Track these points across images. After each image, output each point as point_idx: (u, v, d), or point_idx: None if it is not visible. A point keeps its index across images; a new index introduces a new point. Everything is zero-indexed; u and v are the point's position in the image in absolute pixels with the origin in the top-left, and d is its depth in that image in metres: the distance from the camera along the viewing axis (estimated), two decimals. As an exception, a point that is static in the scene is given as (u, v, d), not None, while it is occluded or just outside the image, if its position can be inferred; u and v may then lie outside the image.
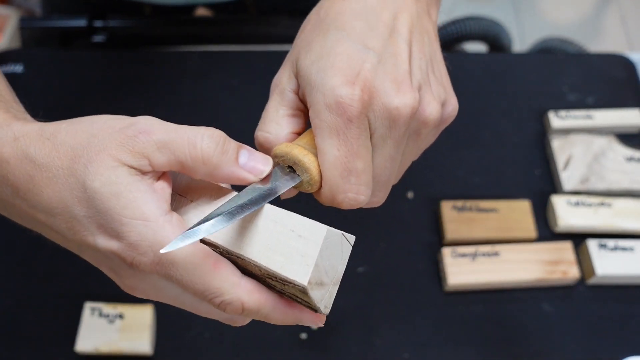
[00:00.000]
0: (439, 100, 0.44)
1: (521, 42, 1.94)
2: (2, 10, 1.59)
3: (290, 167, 0.42)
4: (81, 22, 0.95)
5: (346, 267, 0.79)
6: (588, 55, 0.99)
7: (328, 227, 0.37)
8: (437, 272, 0.76)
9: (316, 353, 0.71)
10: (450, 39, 1.12)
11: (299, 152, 0.42)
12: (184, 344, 0.71)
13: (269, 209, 0.38)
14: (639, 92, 0.91)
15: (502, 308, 0.74)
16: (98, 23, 0.95)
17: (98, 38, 0.95)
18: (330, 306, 0.38)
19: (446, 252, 0.75)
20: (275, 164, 0.42)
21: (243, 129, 0.87)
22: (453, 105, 0.46)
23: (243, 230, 0.38)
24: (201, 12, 1.02)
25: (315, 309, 0.38)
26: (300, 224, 0.36)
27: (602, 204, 0.78)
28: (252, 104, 0.91)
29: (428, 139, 0.47)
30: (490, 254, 0.75)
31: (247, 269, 0.39)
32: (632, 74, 0.92)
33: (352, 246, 0.38)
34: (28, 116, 0.42)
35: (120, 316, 0.69)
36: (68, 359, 0.69)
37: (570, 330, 0.73)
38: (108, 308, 0.69)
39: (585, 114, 0.86)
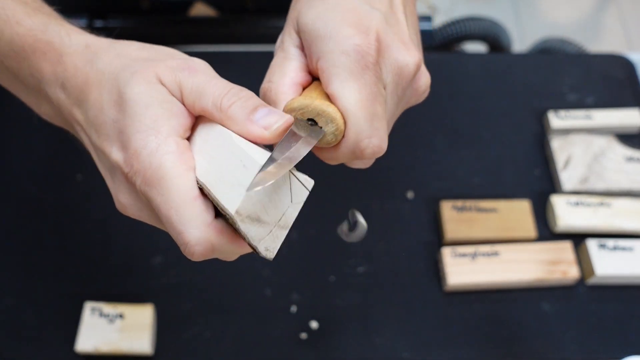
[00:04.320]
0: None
1: (521, 42, 1.94)
2: (2, 10, 1.59)
3: (310, 120, 0.41)
4: (81, 22, 0.95)
5: (346, 267, 0.79)
6: (588, 56, 0.99)
7: (268, 155, 0.36)
8: (437, 272, 0.76)
9: (316, 353, 0.71)
10: (450, 39, 1.12)
11: (321, 103, 0.40)
12: (184, 344, 0.71)
13: (233, 140, 0.37)
14: (639, 92, 0.91)
15: (502, 308, 0.74)
16: (98, 23, 0.95)
17: (98, 38, 0.95)
18: (274, 251, 0.37)
19: (446, 252, 0.75)
20: (291, 112, 0.42)
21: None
22: (428, 80, 0.47)
23: (212, 160, 0.38)
24: (199, 8, 1.02)
25: (254, 249, 0.37)
26: (248, 154, 0.36)
27: (601, 204, 0.78)
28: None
29: (409, 103, 0.47)
30: (490, 253, 0.75)
31: (213, 202, 0.38)
32: (631, 74, 0.92)
33: (309, 191, 0.37)
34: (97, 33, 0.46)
35: (120, 316, 0.69)
36: (68, 359, 0.69)
37: (570, 330, 0.73)
38: (108, 308, 0.69)
39: (585, 114, 0.86)
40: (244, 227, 0.35)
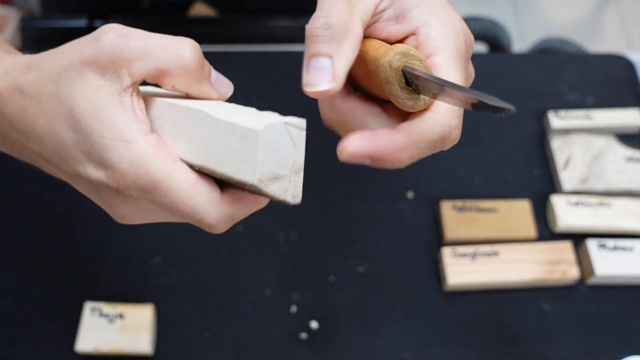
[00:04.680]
0: None
1: (521, 42, 1.94)
2: (2, 11, 1.59)
3: (407, 79, 0.38)
4: (81, 22, 0.95)
5: (346, 267, 0.79)
6: (588, 56, 0.99)
7: (268, 121, 0.36)
8: (437, 272, 0.76)
9: (316, 353, 0.71)
10: (450, 39, 1.12)
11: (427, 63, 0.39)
12: (184, 344, 0.71)
13: (211, 116, 0.37)
14: (639, 92, 0.91)
15: (502, 308, 0.74)
16: (98, 23, 0.95)
17: (98, 38, 0.95)
18: (299, 195, 0.38)
19: (446, 252, 0.75)
20: (398, 60, 0.38)
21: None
22: None
23: (198, 142, 0.38)
24: (199, 8, 1.02)
25: (283, 203, 0.37)
26: (238, 125, 0.36)
27: (601, 204, 0.78)
28: (252, 104, 0.91)
29: None
30: (490, 253, 0.75)
31: (216, 178, 0.39)
32: (631, 74, 0.92)
33: (305, 130, 0.37)
34: (16, 50, 0.43)
35: (120, 316, 0.69)
36: (68, 359, 0.69)
37: (570, 330, 0.73)
38: (108, 308, 0.69)
39: (585, 114, 0.86)
40: (268, 189, 0.36)
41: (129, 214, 0.40)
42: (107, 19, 0.95)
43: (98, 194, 0.39)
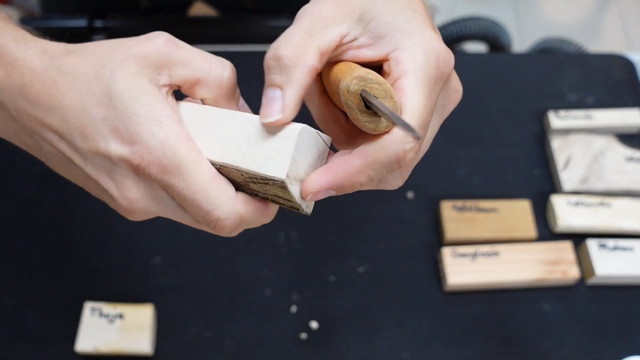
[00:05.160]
0: None
1: (521, 42, 1.94)
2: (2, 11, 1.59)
3: (366, 102, 0.38)
4: (81, 22, 0.95)
5: (346, 267, 0.79)
6: (588, 55, 0.99)
7: (303, 124, 0.38)
8: (437, 272, 0.76)
9: (316, 353, 0.71)
10: (450, 39, 1.12)
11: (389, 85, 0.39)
12: (184, 344, 0.71)
13: (248, 115, 0.40)
14: (639, 92, 0.91)
15: (502, 308, 0.74)
16: (98, 23, 0.95)
17: (98, 38, 0.95)
18: (312, 206, 0.40)
19: (446, 252, 0.75)
20: (356, 85, 0.38)
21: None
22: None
23: (225, 140, 0.39)
24: (199, 7, 1.02)
25: (297, 209, 0.39)
26: (271, 130, 0.38)
27: (601, 204, 0.78)
28: (252, 104, 0.91)
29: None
30: (490, 254, 0.75)
31: (232, 180, 0.40)
32: (631, 74, 0.92)
33: (329, 147, 0.39)
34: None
35: (120, 316, 0.69)
36: (68, 359, 0.69)
37: (570, 330, 0.73)
38: (108, 308, 0.69)
39: (585, 114, 0.86)
40: (291, 188, 0.38)
41: (137, 198, 0.40)
42: (107, 19, 0.95)
43: (110, 174, 0.40)
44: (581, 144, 0.83)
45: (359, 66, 0.40)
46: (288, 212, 0.80)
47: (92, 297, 0.71)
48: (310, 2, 0.42)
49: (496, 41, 1.13)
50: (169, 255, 0.75)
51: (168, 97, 0.40)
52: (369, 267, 0.76)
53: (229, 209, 0.38)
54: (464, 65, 0.94)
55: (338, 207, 0.80)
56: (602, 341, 0.73)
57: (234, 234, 0.40)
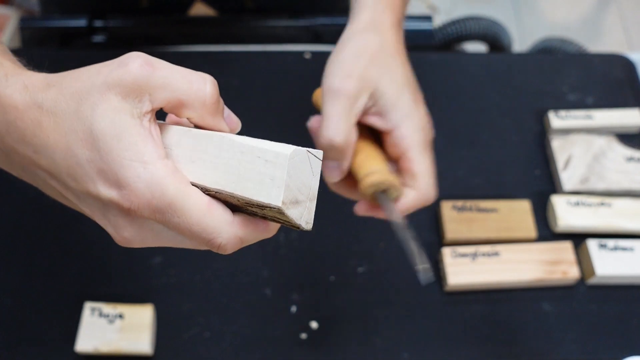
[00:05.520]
0: None
1: (521, 42, 1.94)
2: (2, 10, 1.59)
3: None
4: (81, 22, 0.95)
5: (346, 267, 0.79)
6: (588, 55, 0.99)
7: (293, 147, 0.38)
8: (437, 272, 0.76)
9: (316, 353, 0.71)
10: (450, 39, 1.12)
11: (394, 178, 0.57)
12: (184, 344, 0.71)
13: (233, 141, 0.39)
14: (639, 92, 0.91)
15: (502, 308, 0.74)
16: (98, 23, 0.95)
17: (98, 38, 0.95)
18: (311, 222, 0.40)
19: (446, 252, 0.75)
20: (370, 189, 0.57)
21: (242, 129, 0.87)
22: None
23: (216, 166, 0.39)
24: (199, 7, 1.02)
25: (297, 227, 0.39)
26: (265, 149, 0.38)
27: (602, 204, 0.78)
28: (253, 104, 0.91)
29: None
30: (490, 254, 0.75)
31: (228, 202, 0.40)
32: (632, 73, 0.92)
33: (321, 160, 0.39)
34: (29, 69, 0.43)
35: (120, 316, 0.69)
36: (68, 359, 0.69)
37: (570, 330, 0.73)
38: (108, 308, 0.69)
39: (585, 114, 0.86)
40: (289, 212, 0.38)
41: (133, 236, 0.40)
42: (107, 19, 0.95)
43: (104, 214, 0.40)
44: (581, 144, 0.83)
45: (374, 159, 0.58)
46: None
47: (92, 297, 0.71)
48: (337, 73, 0.56)
49: (496, 41, 1.13)
50: (169, 255, 0.75)
51: (151, 125, 0.39)
52: (369, 267, 0.76)
53: (229, 235, 0.38)
54: (464, 65, 0.94)
55: (338, 207, 0.80)
56: (602, 341, 0.73)
57: (233, 251, 0.40)
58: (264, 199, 0.37)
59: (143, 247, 0.41)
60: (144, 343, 0.68)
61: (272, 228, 0.41)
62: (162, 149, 0.38)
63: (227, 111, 0.42)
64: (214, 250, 0.39)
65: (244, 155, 0.38)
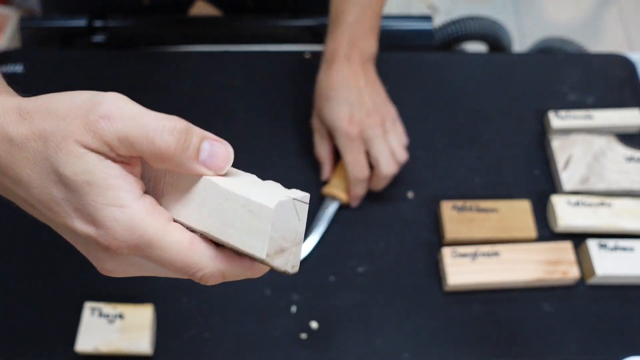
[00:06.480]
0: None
1: (521, 42, 1.94)
2: (2, 10, 1.59)
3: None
4: (81, 22, 0.95)
5: (346, 267, 0.79)
6: (588, 55, 0.99)
7: (278, 198, 0.37)
8: (437, 272, 0.76)
9: (316, 353, 0.71)
10: (450, 39, 1.12)
11: (338, 193, 0.79)
12: (184, 344, 0.71)
13: (218, 187, 0.38)
14: (639, 92, 0.91)
15: (502, 308, 0.74)
16: (98, 23, 0.95)
17: (98, 38, 0.95)
18: (297, 265, 0.39)
19: (446, 252, 0.75)
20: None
21: (243, 129, 0.87)
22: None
23: (202, 208, 0.38)
24: (200, 6, 1.02)
25: (283, 273, 0.39)
26: (249, 200, 0.37)
27: (602, 204, 0.78)
28: (253, 104, 0.91)
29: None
30: (490, 254, 0.75)
31: (215, 241, 0.39)
32: (632, 73, 0.92)
33: (308, 204, 0.38)
34: (8, 88, 0.41)
35: (120, 316, 0.69)
36: (68, 359, 0.69)
37: (570, 330, 0.73)
38: (108, 308, 0.69)
39: (585, 114, 0.86)
40: (273, 263, 0.37)
41: (114, 268, 0.39)
42: (107, 19, 0.95)
43: (85, 247, 0.39)
44: (581, 144, 0.83)
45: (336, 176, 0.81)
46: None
47: (92, 297, 0.71)
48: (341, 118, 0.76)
49: (496, 41, 1.12)
50: (169, 255, 0.75)
51: (123, 163, 0.37)
52: (369, 267, 0.76)
53: (212, 269, 0.38)
54: (464, 65, 0.94)
55: (338, 207, 0.80)
56: (602, 341, 0.73)
57: (216, 283, 0.40)
58: (248, 250, 0.37)
59: (126, 276, 0.40)
60: (144, 343, 0.68)
61: (258, 269, 0.39)
62: (138, 186, 0.37)
63: (209, 149, 0.38)
64: (196, 280, 0.39)
65: (228, 203, 0.37)
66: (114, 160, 0.36)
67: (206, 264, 0.37)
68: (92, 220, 0.36)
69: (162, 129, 0.35)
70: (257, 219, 0.36)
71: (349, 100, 0.75)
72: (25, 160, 0.37)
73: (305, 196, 0.38)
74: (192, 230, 0.39)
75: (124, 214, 0.36)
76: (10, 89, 0.41)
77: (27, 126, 0.36)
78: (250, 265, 0.39)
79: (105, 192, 0.35)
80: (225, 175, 0.39)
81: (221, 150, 0.38)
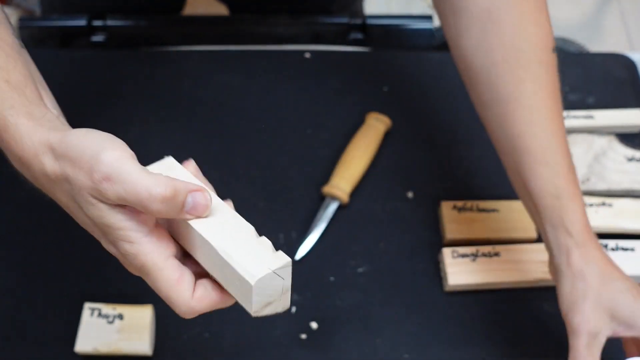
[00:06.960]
0: None
1: (522, 42, 1.93)
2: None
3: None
4: (81, 22, 0.95)
5: (346, 267, 0.79)
6: (589, 55, 0.99)
7: (262, 273, 0.42)
8: (437, 272, 0.76)
9: (316, 353, 0.71)
10: (451, 38, 1.12)
11: (338, 193, 0.78)
12: (184, 344, 0.71)
13: (213, 248, 0.43)
14: (640, 92, 0.91)
15: (502, 308, 0.74)
16: (98, 23, 0.95)
17: (98, 38, 0.95)
18: (288, 304, 0.46)
19: (447, 252, 0.75)
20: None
21: (242, 129, 0.87)
22: None
23: (207, 259, 0.45)
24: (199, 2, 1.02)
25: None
26: (235, 269, 0.42)
27: (602, 204, 0.78)
28: (253, 104, 0.91)
29: None
30: (490, 254, 0.75)
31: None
32: (632, 73, 0.92)
33: (292, 265, 0.44)
34: (49, 114, 0.48)
35: (120, 316, 0.69)
36: (68, 359, 0.69)
37: (570, 330, 0.73)
38: (107, 308, 0.69)
39: (586, 114, 0.85)
40: (262, 314, 0.44)
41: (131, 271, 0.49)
42: (107, 19, 0.95)
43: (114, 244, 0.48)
44: (582, 144, 0.83)
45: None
46: (288, 212, 0.80)
47: (91, 298, 0.71)
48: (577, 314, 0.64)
49: (497, 41, 1.12)
50: (169, 256, 0.75)
51: (129, 209, 0.44)
52: (369, 267, 0.76)
53: (186, 309, 0.45)
54: (464, 65, 0.94)
55: (338, 207, 0.80)
56: (602, 341, 0.73)
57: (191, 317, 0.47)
58: (240, 302, 0.44)
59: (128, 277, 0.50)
60: (144, 343, 0.68)
61: (228, 300, 0.46)
62: (147, 225, 0.44)
63: (192, 202, 0.44)
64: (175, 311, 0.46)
65: (222, 262, 0.43)
66: (122, 206, 0.43)
67: (182, 304, 0.45)
68: (114, 245, 0.46)
69: (154, 199, 0.42)
70: (245, 286, 0.42)
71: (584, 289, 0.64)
72: (60, 192, 0.46)
73: (287, 263, 0.44)
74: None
75: (132, 248, 0.44)
76: (49, 114, 0.48)
77: (58, 167, 0.44)
78: (221, 298, 0.46)
79: (117, 232, 0.44)
80: (222, 228, 0.45)
81: (201, 200, 0.44)
